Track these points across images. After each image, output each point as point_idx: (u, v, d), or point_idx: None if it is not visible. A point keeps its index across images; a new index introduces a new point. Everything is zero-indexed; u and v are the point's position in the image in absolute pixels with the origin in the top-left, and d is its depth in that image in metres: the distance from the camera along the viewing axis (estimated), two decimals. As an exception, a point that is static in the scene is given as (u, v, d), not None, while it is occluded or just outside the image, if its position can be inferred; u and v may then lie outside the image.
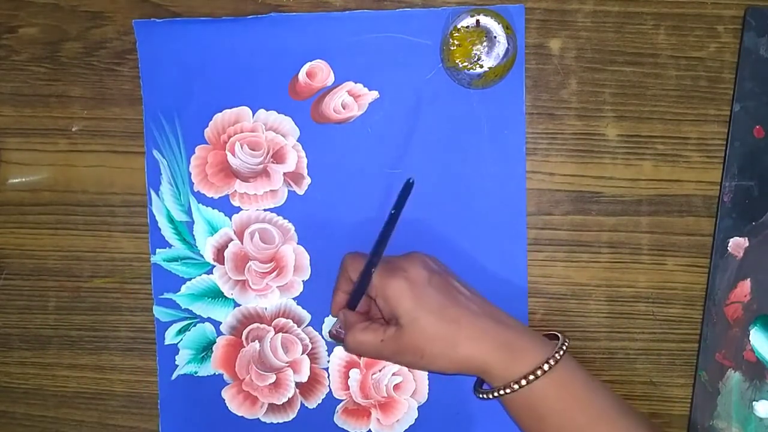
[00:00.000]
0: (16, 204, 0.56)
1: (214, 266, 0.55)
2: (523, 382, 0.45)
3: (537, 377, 0.45)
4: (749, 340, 0.53)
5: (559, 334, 0.49)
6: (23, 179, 0.56)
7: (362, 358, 0.55)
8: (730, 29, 0.53)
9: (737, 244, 0.53)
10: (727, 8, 0.53)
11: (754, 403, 0.54)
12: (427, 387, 0.55)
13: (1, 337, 0.57)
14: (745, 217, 0.53)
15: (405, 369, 0.55)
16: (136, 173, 0.55)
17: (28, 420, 0.58)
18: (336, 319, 0.52)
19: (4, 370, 0.58)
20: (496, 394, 0.47)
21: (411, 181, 0.49)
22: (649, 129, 0.54)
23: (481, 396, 0.48)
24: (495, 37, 0.49)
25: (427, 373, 0.55)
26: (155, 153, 0.55)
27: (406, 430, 0.55)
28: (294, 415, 0.56)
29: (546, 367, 0.46)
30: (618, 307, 0.55)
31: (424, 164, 0.54)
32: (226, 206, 0.55)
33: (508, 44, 0.50)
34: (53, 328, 0.57)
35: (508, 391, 0.46)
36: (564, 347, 0.47)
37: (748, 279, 0.53)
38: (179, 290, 0.55)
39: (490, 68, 0.50)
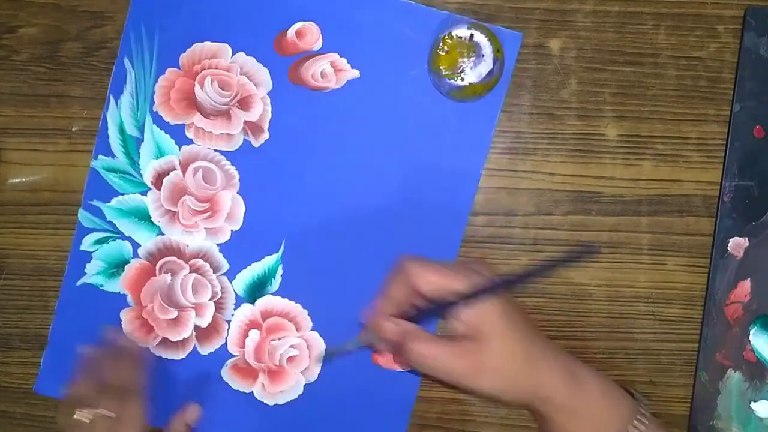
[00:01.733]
0: (16, 204, 0.56)
1: (150, 189, 0.55)
2: None
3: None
4: (749, 340, 0.53)
5: (633, 391, 0.47)
6: (23, 179, 0.56)
7: (266, 322, 0.55)
8: (730, 29, 0.53)
9: (737, 244, 0.53)
10: (727, 8, 0.53)
11: (754, 403, 0.54)
12: (319, 368, 0.55)
13: (1, 337, 0.57)
14: (745, 217, 0.53)
15: (303, 344, 0.55)
16: (136, 173, 0.55)
17: (28, 420, 0.58)
18: (361, 332, 0.49)
19: (4, 370, 0.58)
20: None
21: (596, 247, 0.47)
22: (649, 129, 0.54)
23: None
24: (483, 55, 0.49)
25: (327, 354, 0.55)
26: (126, 61, 0.54)
27: (287, 402, 0.55)
28: (184, 356, 0.56)
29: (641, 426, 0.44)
30: (618, 307, 0.55)
31: (381, 156, 0.54)
32: (179, 135, 0.55)
33: (494, 66, 0.50)
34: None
35: None
36: (645, 407, 0.45)
37: (748, 279, 0.53)
38: (109, 201, 0.55)
39: (470, 84, 0.50)
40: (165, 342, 0.56)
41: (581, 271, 0.55)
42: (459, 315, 0.44)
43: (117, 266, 0.55)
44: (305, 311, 0.55)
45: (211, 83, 0.54)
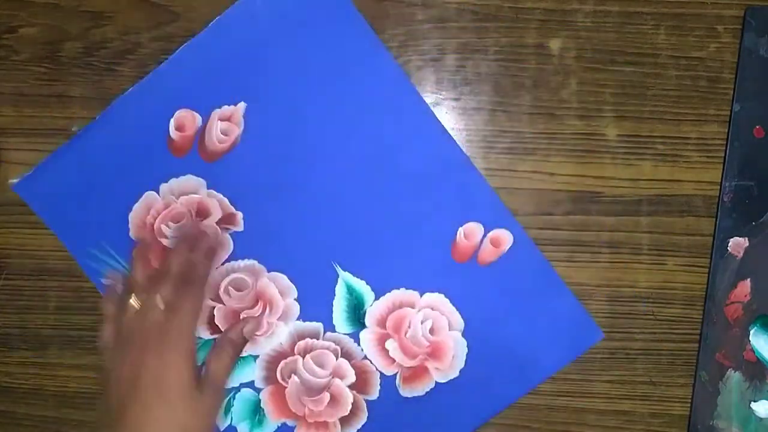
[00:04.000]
0: (17, 204, 0.56)
1: (216, 338, 0.55)
2: None
3: None
4: (749, 340, 0.53)
5: None
6: (23, 179, 0.56)
7: (387, 326, 0.55)
8: (730, 29, 0.53)
9: (737, 244, 0.53)
10: (727, 8, 0.53)
11: (754, 403, 0.54)
12: (458, 312, 0.54)
13: (1, 337, 0.57)
14: (745, 217, 0.53)
15: (429, 311, 0.54)
16: (136, 173, 0.55)
17: (28, 420, 0.58)
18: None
19: (4, 370, 0.58)
20: None
21: None
22: (649, 129, 0.54)
23: None
24: None
25: (448, 298, 0.54)
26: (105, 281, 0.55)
27: (465, 362, 0.55)
28: (366, 414, 0.55)
29: None
30: (618, 307, 0.55)
31: (325, 135, 0.53)
32: None
33: None
34: (53, 328, 0.57)
35: None
36: None
37: (748, 279, 0.53)
38: None
39: None
40: (344, 421, 0.56)
41: (581, 271, 0.55)
42: None
43: (256, 412, 0.56)
44: (402, 289, 0.55)
45: (168, 226, 0.54)
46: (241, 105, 0.53)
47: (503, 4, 0.53)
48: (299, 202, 0.54)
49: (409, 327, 0.55)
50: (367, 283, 0.55)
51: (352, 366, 0.55)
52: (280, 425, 0.56)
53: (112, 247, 0.55)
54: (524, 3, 0.53)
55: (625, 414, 0.56)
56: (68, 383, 0.57)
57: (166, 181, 0.54)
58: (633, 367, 0.55)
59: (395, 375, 0.55)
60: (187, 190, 0.54)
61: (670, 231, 0.54)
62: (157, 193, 0.54)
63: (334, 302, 0.55)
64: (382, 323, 0.55)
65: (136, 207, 0.54)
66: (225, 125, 0.54)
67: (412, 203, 0.54)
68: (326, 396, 0.55)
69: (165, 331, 0.45)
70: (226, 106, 0.53)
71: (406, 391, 0.55)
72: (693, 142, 0.54)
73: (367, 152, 0.54)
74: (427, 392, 0.55)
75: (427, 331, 0.55)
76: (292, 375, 0.55)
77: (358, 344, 0.55)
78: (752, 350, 0.54)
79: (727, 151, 0.53)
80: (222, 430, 0.56)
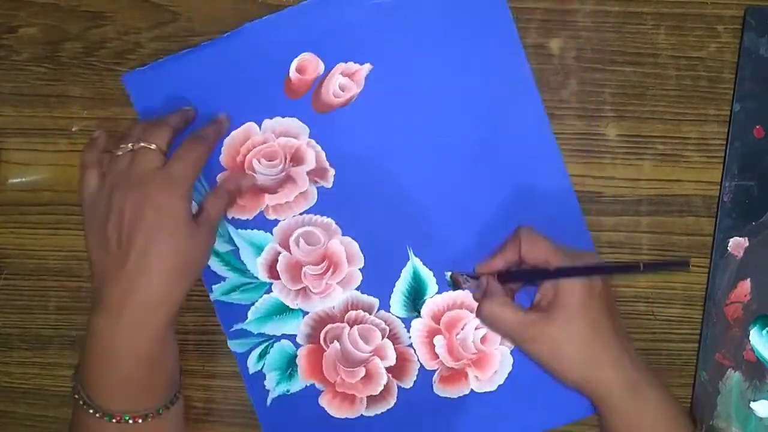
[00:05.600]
0: (16, 204, 0.56)
1: (272, 283, 0.55)
2: None
3: None
4: (749, 340, 0.53)
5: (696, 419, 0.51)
6: (23, 179, 0.56)
7: (442, 323, 0.55)
8: (730, 29, 0.53)
9: (737, 244, 0.53)
10: (727, 8, 0.53)
11: (753, 403, 0.54)
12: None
13: (1, 337, 0.57)
14: (745, 217, 0.53)
15: None
16: (136, 173, 0.55)
17: (28, 420, 0.58)
18: (463, 274, 0.53)
19: (4, 370, 0.58)
20: None
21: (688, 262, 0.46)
22: (649, 129, 0.54)
23: None
24: None
25: None
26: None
27: (506, 379, 0.55)
28: (395, 400, 0.55)
29: None
30: (618, 307, 0.55)
31: (439, 118, 0.53)
32: (263, 223, 0.54)
33: None
34: (54, 328, 0.57)
35: None
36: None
37: (748, 279, 0.53)
38: (246, 318, 0.55)
39: None
40: (371, 400, 0.55)
41: (581, 271, 0.55)
42: (543, 285, 0.49)
43: (289, 365, 0.55)
44: (467, 292, 0.55)
45: (259, 162, 0.54)
46: (367, 66, 0.53)
47: (503, 4, 0.53)
48: (392, 176, 0.54)
49: (462, 329, 0.55)
50: (434, 275, 0.54)
51: (396, 350, 0.55)
52: (308, 385, 0.55)
53: None
54: (524, 3, 0.53)
55: (625, 414, 0.55)
56: (68, 383, 0.57)
57: (271, 118, 0.54)
58: (633, 367, 0.55)
59: (434, 371, 0.55)
60: (288, 132, 0.54)
61: (670, 231, 0.54)
62: (259, 126, 0.54)
63: (397, 283, 0.55)
64: (437, 318, 0.55)
65: (235, 133, 0.54)
66: (345, 81, 0.53)
67: (499, 211, 0.54)
68: (362, 371, 0.55)
69: (167, 175, 0.47)
70: (352, 63, 0.53)
71: (440, 390, 0.55)
72: (693, 142, 0.54)
73: (472, 151, 0.53)
74: (459, 397, 0.55)
75: (478, 338, 0.55)
76: (335, 341, 0.55)
77: (408, 331, 0.55)
78: (752, 350, 0.54)
79: (727, 151, 0.53)
80: (251, 373, 0.55)
